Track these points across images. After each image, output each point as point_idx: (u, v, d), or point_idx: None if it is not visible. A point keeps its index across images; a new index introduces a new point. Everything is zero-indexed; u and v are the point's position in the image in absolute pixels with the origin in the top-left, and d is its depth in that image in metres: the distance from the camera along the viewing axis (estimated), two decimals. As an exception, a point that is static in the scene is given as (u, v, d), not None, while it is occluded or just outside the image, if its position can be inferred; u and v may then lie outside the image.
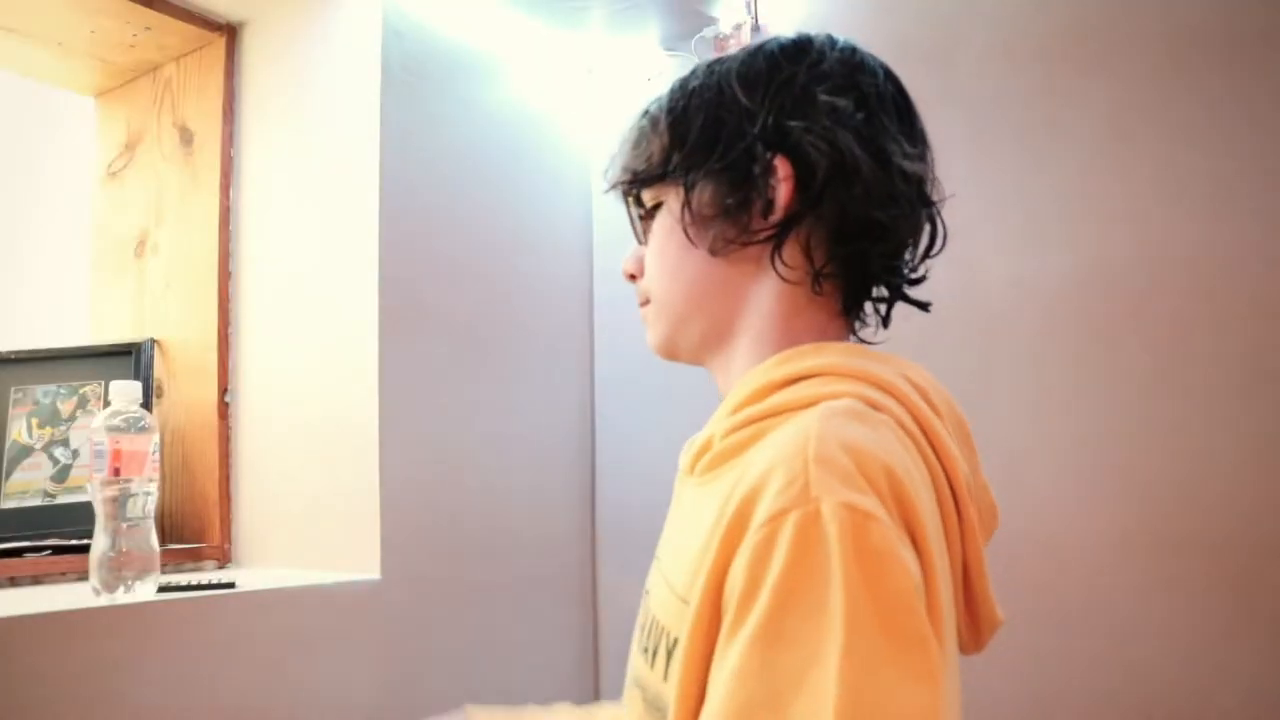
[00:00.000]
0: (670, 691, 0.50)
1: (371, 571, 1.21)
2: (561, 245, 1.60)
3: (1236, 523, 1.06)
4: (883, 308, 0.66)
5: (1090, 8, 1.20)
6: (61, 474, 1.30)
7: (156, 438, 1.05)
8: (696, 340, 0.65)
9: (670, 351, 0.68)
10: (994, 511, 0.65)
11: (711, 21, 1.54)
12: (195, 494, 1.36)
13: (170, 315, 1.41)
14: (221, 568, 1.32)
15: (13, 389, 1.34)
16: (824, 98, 0.59)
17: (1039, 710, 1.18)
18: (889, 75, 0.64)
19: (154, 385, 1.38)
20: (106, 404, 1.11)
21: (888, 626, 0.42)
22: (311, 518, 1.28)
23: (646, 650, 0.57)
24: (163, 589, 1.04)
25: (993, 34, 1.27)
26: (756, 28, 1.50)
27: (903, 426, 0.54)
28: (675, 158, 0.62)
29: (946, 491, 0.55)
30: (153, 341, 1.39)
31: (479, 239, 1.42)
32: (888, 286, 0.65)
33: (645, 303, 0.68)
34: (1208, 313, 1.10)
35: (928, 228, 0.65)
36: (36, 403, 1.33)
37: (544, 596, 1.49)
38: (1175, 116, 1.13)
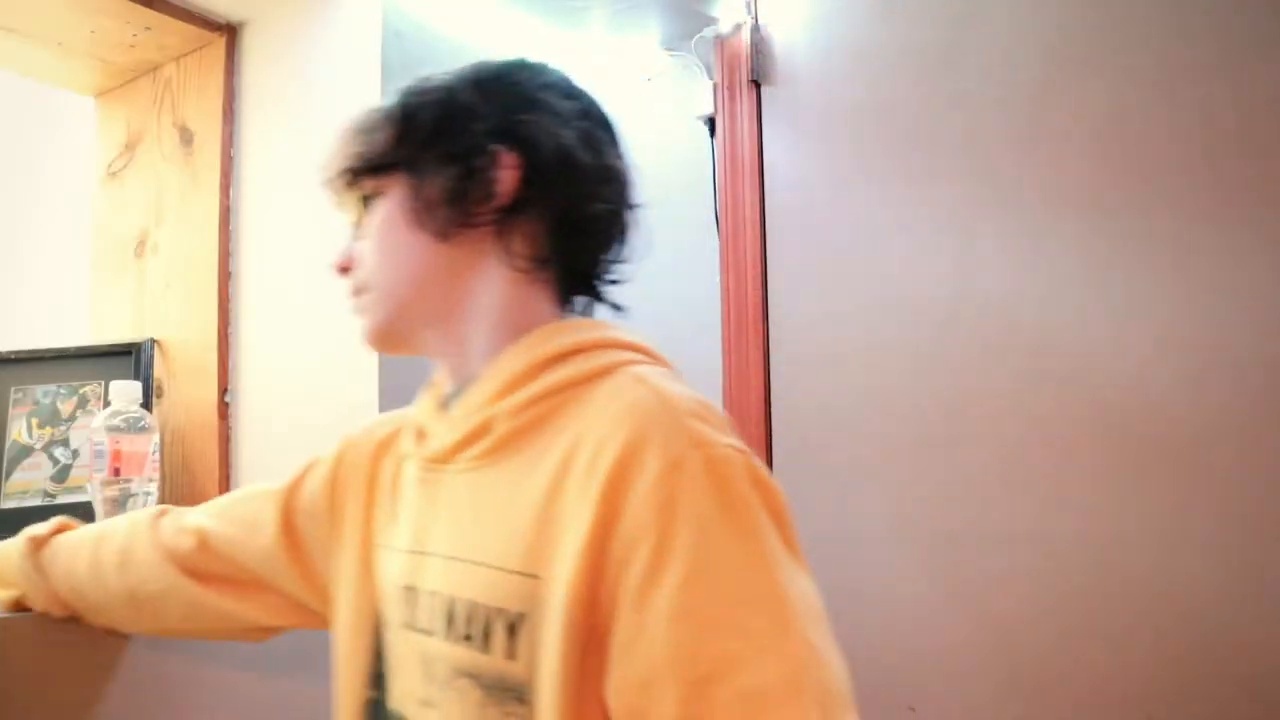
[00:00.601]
0: (533, 663, 0.53)
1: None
2: (561, 245, 1.60)
3: (1237, 522, 1.06)
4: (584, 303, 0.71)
5: (1090, 9, 1.20)
6: (61, 474, 1.30)
7: (156, 438, 1.05)
8: (419, 325, 0.67)
9: (389, 338, 0.70)
10: None
11: (711, 21, 1.54)
12: (195, 494, 1.35)
13: (170, 315, 1.41)
14: (221, 568, 1.32)
15: (13, 389, 1.34)
16: (550, 99, 0.65)
17: (1039, 709, 1.18)
18: (591, 92, 0.70)
19: (154, 385, 1.38)
20: (106, 404, 1.11)
21: (787, 538, 0.52)
22: (311, 518, 1.27)
23: (470, 637, 0.57)
24: (163, 589, 1.04)
25: (993, 35, 1.27)
26: (756, 28, 1.50)
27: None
28: (405, 145, 0.65)
29: None
30: (153, 341, 1.39)
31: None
32: (594, 283, 0.69)
33: (359, 293, 0.69)
34: (1209, 311, 1.10)
35: (629, 233, 0.69)
36: (36, 403, 1.33)
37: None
38: (1176, 117, 1.13)
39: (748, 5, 1.51)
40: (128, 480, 1.01)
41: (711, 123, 1.54)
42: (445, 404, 0.67)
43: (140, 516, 0.83)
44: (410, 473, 0.69)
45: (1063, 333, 1.19)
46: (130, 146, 1.50)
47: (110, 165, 1.52)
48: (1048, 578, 1.18)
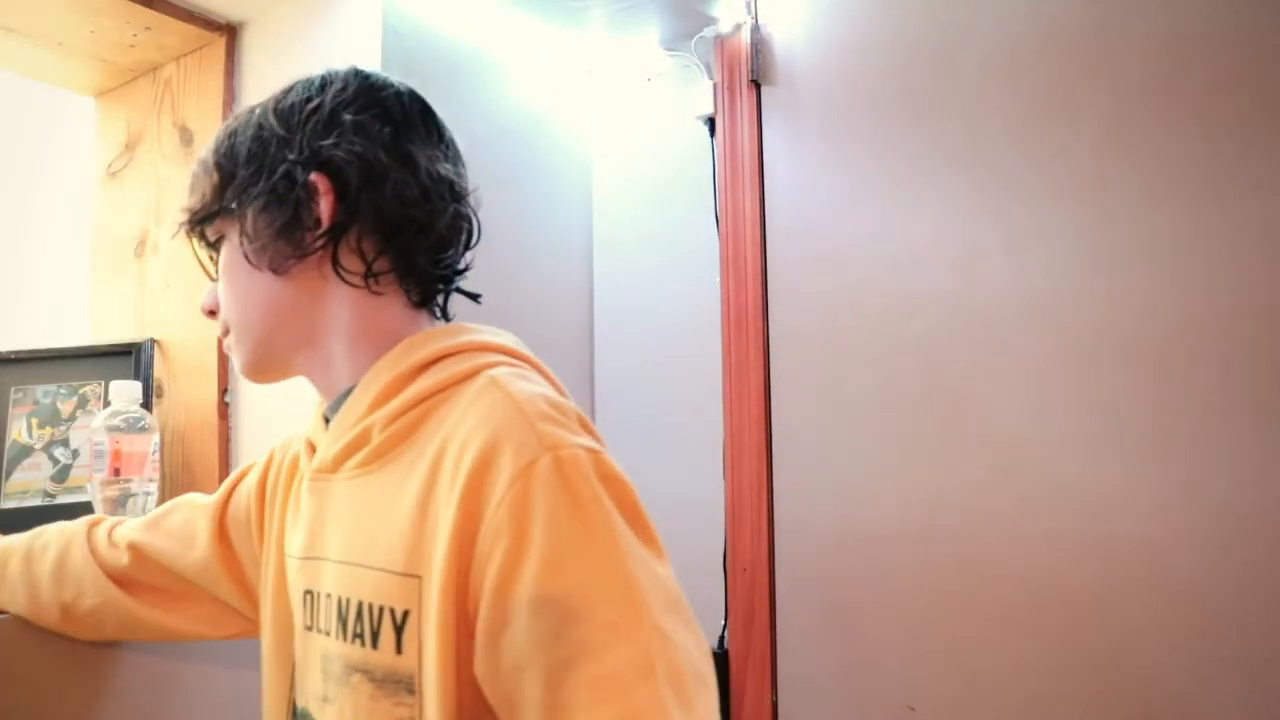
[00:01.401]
0: (419, 656, 0.56)
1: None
2: (561, 244, 1.60)
3: (1238, 522, 1.06)
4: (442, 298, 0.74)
5: (1091, 10, 1.20)
6: (61, 474, 1.30)
7: (156, 438, 1.05)
8: (283, 356, 0.71)
9: (259, 372, 0.74)
10: None
11: (711, 21, 1.54)
12: (195, 494, 1.35)
13: (170, 315, 1.41)
14: (221, 568, 1.32)
15: (13, 389, 1.34)
16: (349, 117, 0.66)
17: (1040, 709, 1.18)
18: (413, 95, 0.71)
19: (154, 385, 1.38)
20: (106, 404, 1.11)
21: (639, 529, 0.54)
22: (311, 518, 1.27)
23: (361, 636, 0.60)
24: (163, 589, 1.04)
25: (994, 35, 1.27)
26: (756, 28, 1.50)
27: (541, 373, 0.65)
28: (226, 192, 0.68)
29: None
30: (153, 341, 1.39)
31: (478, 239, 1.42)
32: (440, 280, 0.71)
33: (226, 333, 0.73)
34: (1211, 311, 1.10)
35: (465, 225, 0.72)
36: (36, 403, 1.33)
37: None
38: (1176, 115, 1.13)
39: (748, 5, 1.51)
40: (128, 480, 1.01)
41: (711, 123, 1.54)
42: (327, 419, 0.71)
43: (73, 528, 0.85)
44: (304, 484, 0.72)
45: (1062, 333, 1.19)
46: (130, 146, 1.50)
47: (110, 165, 1.52)
48: (1049, 576, 1.18)
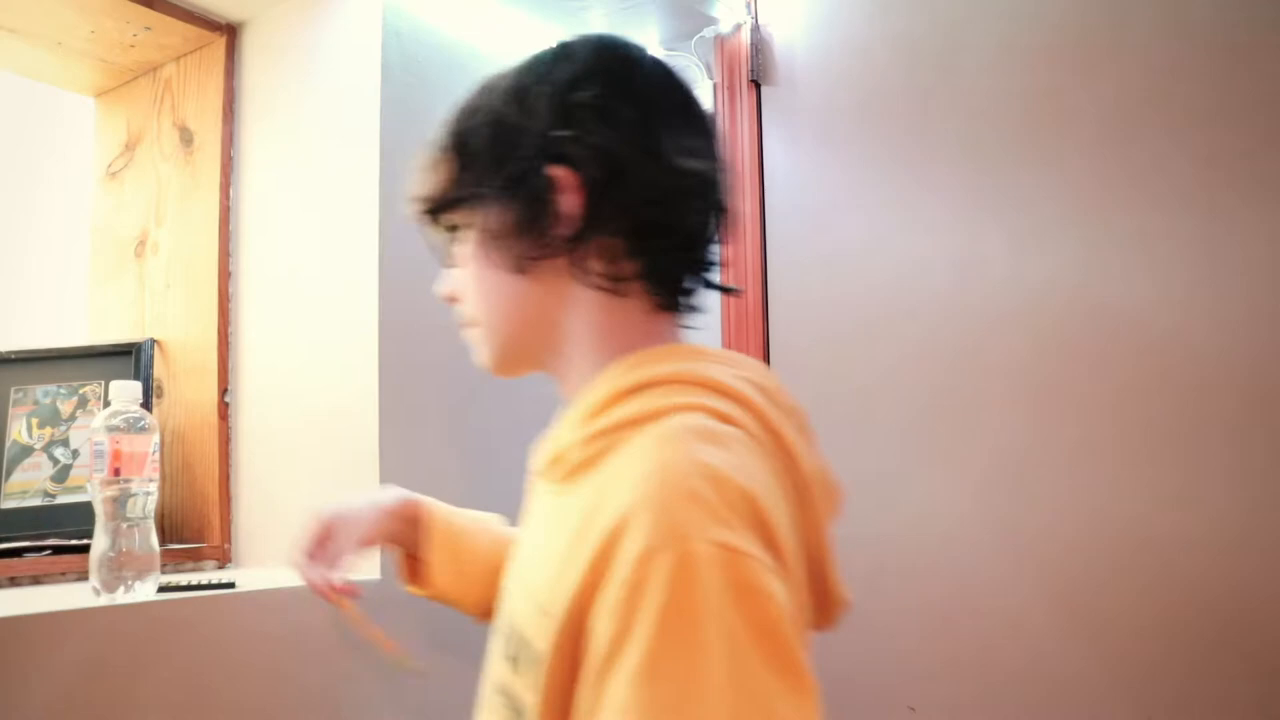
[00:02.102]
0: (534, 694, 0.52)
1: (371, 571, 1.21)
2: (561, 245, 1.60)
3: (1237, 525, 1.06)
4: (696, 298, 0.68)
5: (1092, 8, 1.20)
6: (61, 474, 1.30)
7: (156, 438, 1.05)
8: (531, 355, 0.67)
9: (505, 369, 0.69)
10: (837, 489, 0.65)
11: (711, 21, 1.54)
12: (195, 494, 1.35)
13: (170, 315, 1.41)
14: (221, 568, 1.32)
15: (13, 389, 1.34)
16: (593, 102, 0.60)
17: (1040, 710, 1.18)
18: (666, 73, 0.64)
19: (154, 385, 1.38)
20: (106, 404, 1.11)
21: (767, 659, 0.45)
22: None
23: (512, 659, 0.58)
24: (163, 589, 1.04)
25: (994, 34, 1.27)
26: (756, 28, 1.50)
27: (752, 437, 0.56)
28: (463, 181, 0.64)
29: (794, 494, 0.57)
30: (153, 341, 1.39)
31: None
32: (687, 278, 0.66)
33: (468, 325, 0.69)
34: (1209, 312, 1.10)
35: (716, 219, 0.66)
36: (36, 403, 1.33)
37: (544, 596, 1.49)
38: (1176, 115, 1.13)
39: (748, 5, 1.51)
40: (128, 480, 1.01)
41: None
42: None
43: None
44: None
45: (1062, 333, 1.19)
46: (130, 146, 1.50)
47: (110, 165, 1.52)
48: (1049, 575, 1.18)
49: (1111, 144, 1.17)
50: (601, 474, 0.55)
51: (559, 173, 0.60)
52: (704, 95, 1.54)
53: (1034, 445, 1.20)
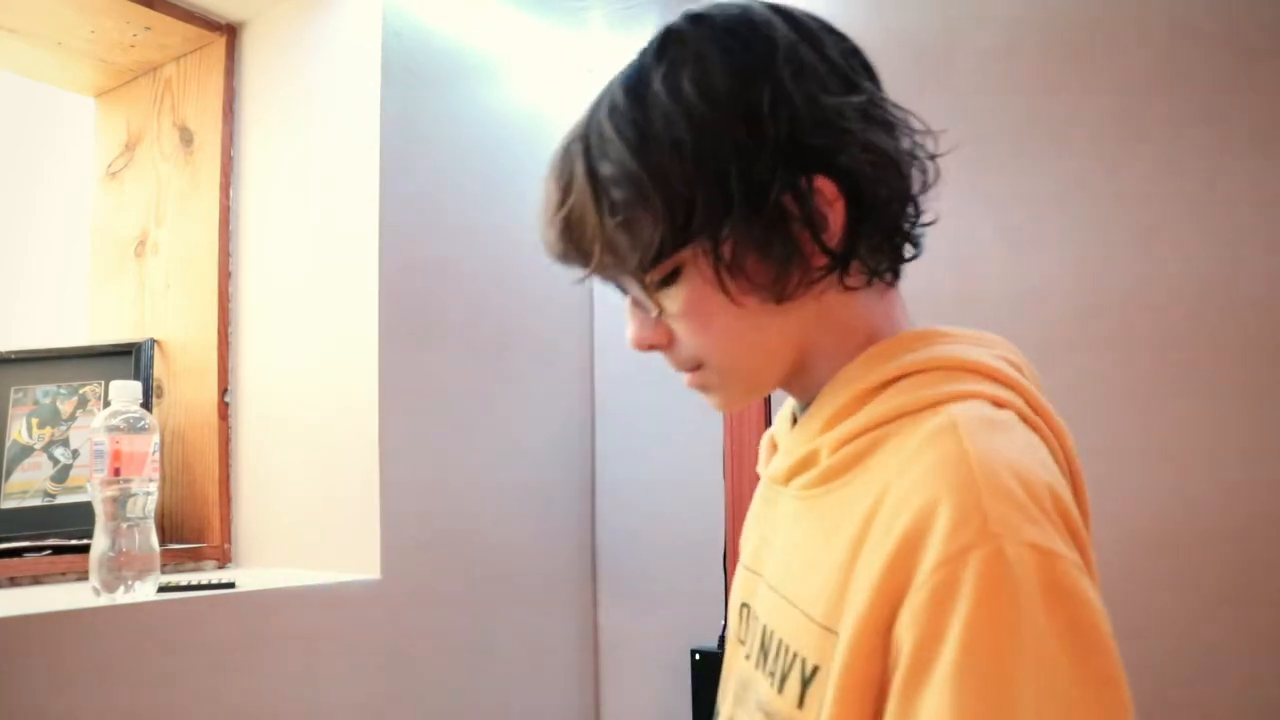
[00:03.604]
0: (818, 715, 0.49)
1: (371, 571, 1.21)
2: (561, 245, 1.60)
3: (1238, 522, 1.06)
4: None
5: (1090, 8, 1.20)
6: (61, 474, 1.30)
7: (156, 438, 1.05)
8: (775, 381, 0.61)
9: (745, 404, 0.63)
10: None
11: (711, 21, 1.53)
12: (195, 494, 1.36)
13: (170, 315, 1.41)
14: (221, 568, 1.32)
15: (13, 389, 1.34)
16: (828, 100, 0.52)
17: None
18: (826, 27, 0.57)
19: (154, 385, 1.38)
20: (106, 404, 1.11)
21: (1081, 669, 0.42)
22: (311, 518, 1.28)
23: (773, 675, 0.54)
24: (163, 589, 1.04)
25: (993, 34, 1.27)
26: (756, 28, 1.50)
27: (1025, 419, 0.52)
28: (682, 225, 0.52)
29: (1066, 468, 0.54)
30: (153, 341, 1.39)
31: (479, 238, 1.42)
32: (905, 244, 0.59)
33: (695, 368, 0.60)
34: (1210, 310, 1.10)
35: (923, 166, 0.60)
36: (36, 403, 1.33)
37: (544, 596, 1.49)
38: (1176, 116, 1.13)
39: (748, 5, 1.51)
40: (128, 480, 1.01)
41: (712, 123, 1.54)
42: (795, 417, 0.63)
43: None
44: (761, 487, 0.65)
45: (1060, 330, 1.19)
46: (130, 146, 1.50)
47: (110, 165, 1.52)
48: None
49: (1111, 144, 1.17)
50: (872, 472, 0.51)
51: (822, 184, 0.52)
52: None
53: (1034, 445, 1.21)
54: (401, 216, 1.28)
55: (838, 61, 0.54)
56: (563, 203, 0.55)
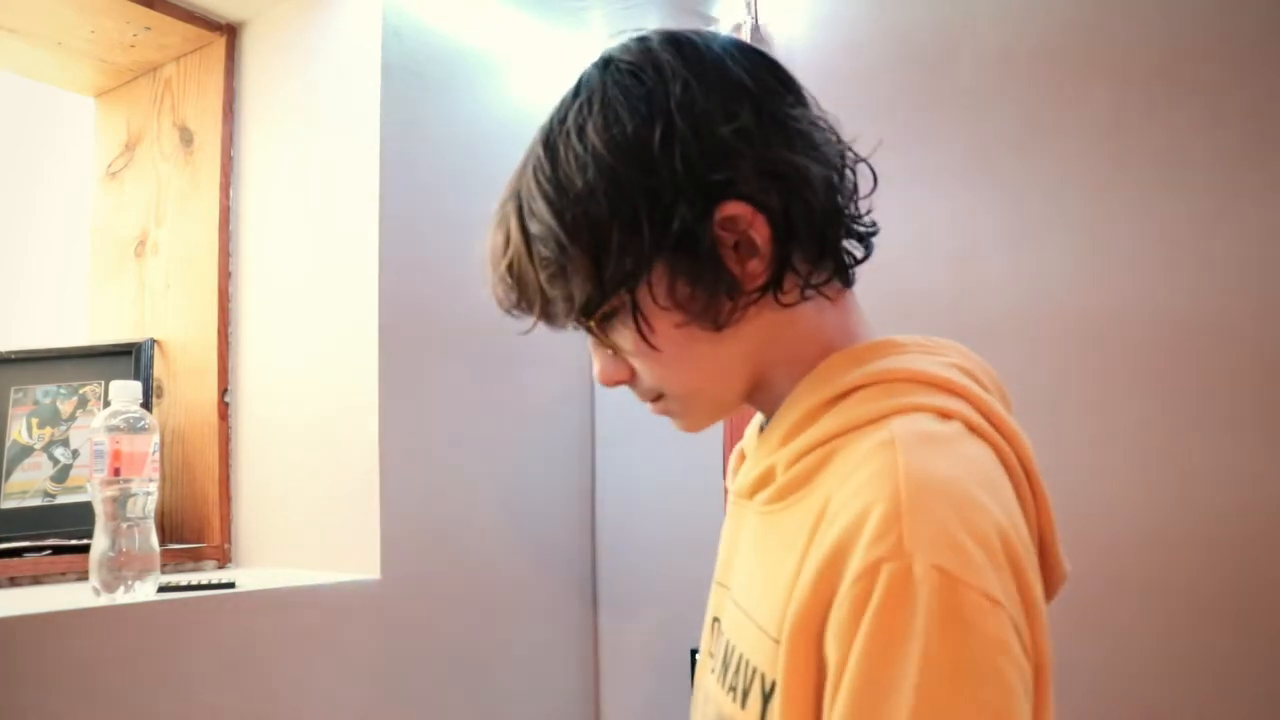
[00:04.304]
0: None
1: (371, 571, 1.21)
2: (561, 245, 1.60)
3: (1238, 522, 1.06)
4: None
5: (1090, 8, 1.20)
6: (61, 474, 1.30)
7: (156, 438, 1.05)
8: (739, 401, 0.62)
9: (712, 424, 0.64)
10: None
11: (711, 21, 1.54)
12: (195, 494, 1.36)
13: (170, 315, 1.41)
14: (221, 568, 1.32)
15: (13, 389, 1.34)
16: (721, 129, 0.53)
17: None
18: (743, 49, 0.57)
19: (154, 385, 1.38)
20: (106, 404, 1.11)
21: (962, 698, 0.42)
22: (311, 518, 1.28)
23: (734, 689, 0.54)
24: (163, 589, 1.04)
25: (993, 34, 1.27)
26: (756, 28, 1.50)
27: (972, 428, 0.52)
28: (608, 271, 0.53)
29: (1020, 474, 0.55)
30: (153, 341, 1.39)
31: (479, 239, 1.42)
32: (845, 239, 0.61)
33: (657, 398, 0.62)
34: (1209, 310, 1.10)
35: (854, 171, 0.62)
36: (36, 403, 1.33)
37: (544, 596, 1.49)
38: (1175, 116, 1.13)
39: (748, 5, 1.51)
40: (128, 480, 1.01)
41: (712, 123, 1.54)
42: (762, 429, 0.64)
43: None
44: (729, 500, 0.66)
45: (1061, 333, 1.19)
46: (130, 146, 1.50)
47: (110, 165, 1.52)
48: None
49: (1111, 144, 1.17)
50: (820, 488, 0.52)
51: (736, 210, 0.53)
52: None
53: (1030, 440, 1.20)
54: (402, 216, 1.28)
55: (740, 86, 0.55)
56: (502, 259, 0.59)
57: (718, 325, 0.55)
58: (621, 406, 1.61)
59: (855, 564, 0.45)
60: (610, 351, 0.60)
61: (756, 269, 0.54)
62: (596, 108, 0.54)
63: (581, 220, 0.53)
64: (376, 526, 1.21)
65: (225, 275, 1.37)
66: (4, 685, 0.85)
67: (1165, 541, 1.11)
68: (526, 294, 0.58)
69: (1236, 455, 1.07)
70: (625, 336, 0.58)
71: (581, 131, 0.54)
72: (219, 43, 1.40)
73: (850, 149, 0.61)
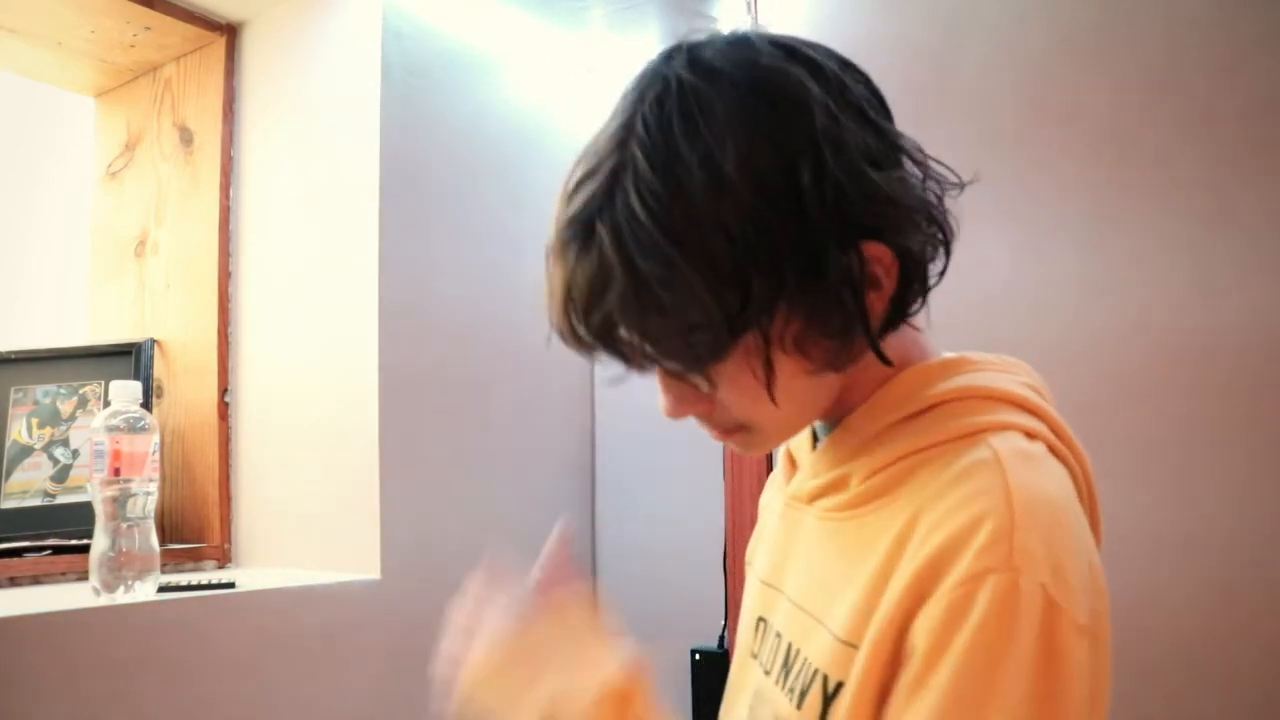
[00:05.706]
0: None
1: (371, 571, 1.21)
2: (561, 245, 1.60)
3: (1239, 521, 1.06)
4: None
5: (1091, 8, 1.20)
6: (61, 474, 1.30)
7: (156, 438, 1.05)
8: (809, 425, 0.61)
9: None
10: None
11: (712, 21, 1.54)
12: (195, 494, 1.36)
13: (170, 315, 1.41)
14: (221, 568, 1.32)
15: (13, 389, 1.34)
16: (874, 174, 0.50)
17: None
18: (845, 66, 0.56)
19: (154, 385, 1.38)
20: (106, 404, 1.11)
21: (1057, 712, 0.44)
22: (311, 518, 1.28)
23: (793, 691, 0.54)
24: (163, 589, 1.04)
25: (994, 34, 1.27)
26: (756, 28, 1.50)
27: (1053, 450, 0.53)
28: (737, 315, 0.48)
29: (1087, 496, 0.56)
30: (153, 341, 1.39)
31: (479, 238, 1.42)
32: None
33: (735, 430, 0.58)
34: (1209, 310, 1.10)
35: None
36: (36, 403, 1.33)
37: (544, 596, 1.49)
38: (1176, 116, 1.13)
39: (748, 5, 1.51)
40: (128, 480, 1.01)
41: (712, 123, 1.54)
42: (816, 436, 0.62)
43: None
44: (777, 502, 0.66)
45: (1061, 333, 1.19)
46: (130, 146, 1.50)
47: (110, 165, 1.52)
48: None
49: (1112, 144, 1.17)
50: (903, 499, 0.51)
51: (878, 252, 0.50)
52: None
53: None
54: (401, 216, 1.28)
55: (862, 113, 0.53)
56: (595, 302, 0.50)
57: (839, 368, 0.52)
58: (621, 407, 1.61)
59: (960, 569, 0.45)
60: (686, 385, 0.55)
61: (878, 307, 0.52)
62: (724, 133, 0.48)
63: (716, 259, 0.47)
64: (376, 527, 1.21)
65: (225, 275, 1.37)
66: (4, 685, 0.85)
67: (1174, 541, 1.11)
68: (621, 342, 0.52)
69: (1240, 461, 1.07)
70: (728, 375, 0.52)
71: (709, 159, 0.48)
72: (219, 43, 1.40)
73: (948, 185, 0.58)
